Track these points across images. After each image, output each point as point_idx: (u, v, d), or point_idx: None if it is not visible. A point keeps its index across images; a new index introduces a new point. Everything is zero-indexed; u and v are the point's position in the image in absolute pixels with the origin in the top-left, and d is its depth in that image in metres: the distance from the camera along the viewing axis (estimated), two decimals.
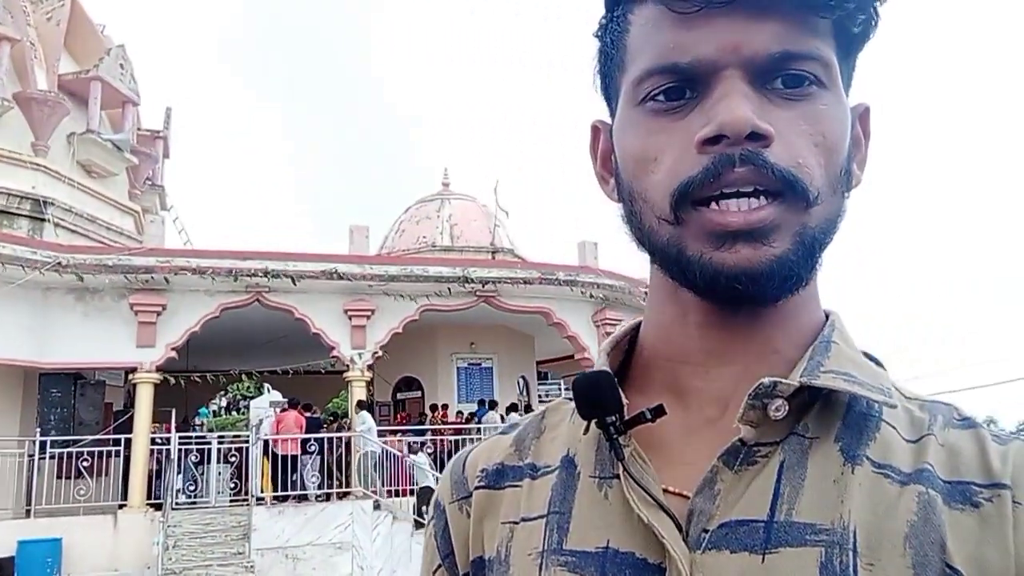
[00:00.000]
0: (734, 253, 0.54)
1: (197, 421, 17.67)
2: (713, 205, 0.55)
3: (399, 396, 16.40)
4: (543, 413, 0.73)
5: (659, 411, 0.58)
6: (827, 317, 0.64)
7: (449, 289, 13.39)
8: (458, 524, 0.69)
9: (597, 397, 0.60)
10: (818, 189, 0.55)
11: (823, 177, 0.56)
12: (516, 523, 0.64)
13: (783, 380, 0.55)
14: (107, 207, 16.02)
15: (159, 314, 12.02)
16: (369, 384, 13.82)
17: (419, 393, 16.11)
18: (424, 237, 17.43)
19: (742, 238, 0.54)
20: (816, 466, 0.55)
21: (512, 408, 15.53)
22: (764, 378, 0.55)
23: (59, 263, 11.17)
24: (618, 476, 0.60)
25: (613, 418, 0.59)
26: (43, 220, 14.03)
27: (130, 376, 12.25)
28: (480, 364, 16.29)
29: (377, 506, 11.69)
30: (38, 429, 11.41)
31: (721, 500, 0.55)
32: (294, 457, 11.91)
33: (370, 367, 13.28)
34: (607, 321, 14.51)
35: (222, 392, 24.42)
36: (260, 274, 12.23)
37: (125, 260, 11.67)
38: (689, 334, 0.62)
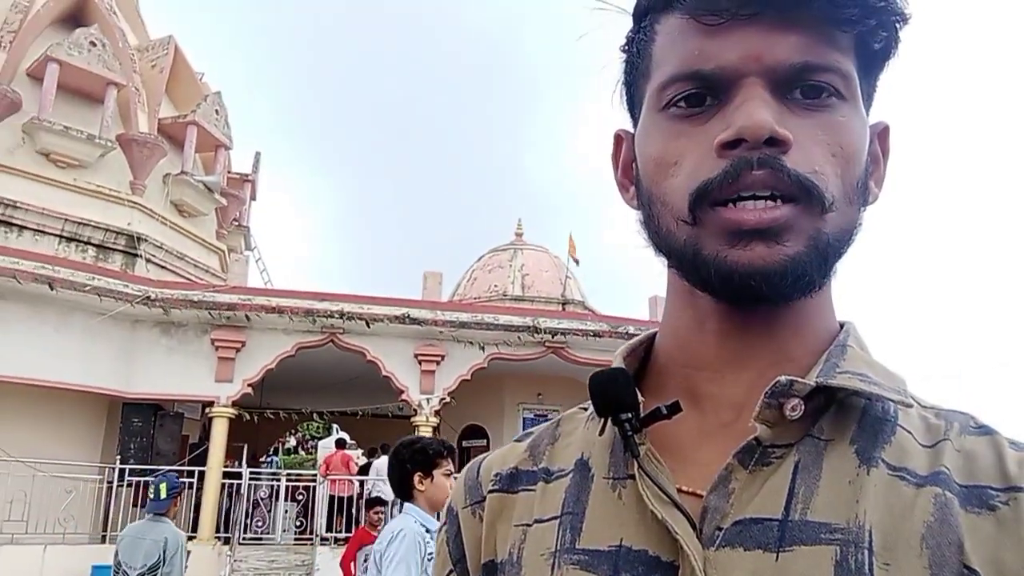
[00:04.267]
0: (749, 251, 0.55)
1: (265, 459, 17.96)
2: (730, 205, 0.55)
3: (464, 444, 16.37)
4: (558, 421, 0.73)
5: (675, 408, 0.58)
6: (842, 327, 0.64)
7: (519, 338, 13.42)
8: (470, 528, 0.70)
9: (613, 394, 0.60)
10: (833, 196, 0.56)
11: (839, 186, 0.57)
12: (529, 525, 0.64)
13: (799, 379, 0.56)
14: (195, 245, 16.70)
15: (238, 350, 12.38)
16: (435, 430, 13.84)
17: (484, 441, 16.04)
18: (496, 286, 17.57)
19: (757, 236, 0.55)
20: (831, 467, 0.55)
21: None
22: (781, 376, 0.56)
23: (148, 297, 11.65)
24: (632, 476, 0.59)
25: (628, 415, 0.59)
26: (136, 255, 14.69)
27: (207, 410, 12.59)
28: (546, 415, 16.13)
29: None
30: (118, 457, 11.79)
31: (735, 499, 0.55)
32: (350, 498, 12.02)
33: (437, 413, 13.33)
34: None
35: (293, 431, 24.81)
36: (336, 315, 12.49)
37: (209, 296, 12.11)
38: (705, 340, 0.62)
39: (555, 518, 0.62)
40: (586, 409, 0.70)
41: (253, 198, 20.75)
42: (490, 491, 0.69)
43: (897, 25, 0.58)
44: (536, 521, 0.64)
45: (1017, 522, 0.51)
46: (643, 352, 0.70)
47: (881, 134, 0.65)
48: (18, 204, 13.66)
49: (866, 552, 0.51)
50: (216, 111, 17.15)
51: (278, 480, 13.40)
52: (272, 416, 14.92)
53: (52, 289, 10.93)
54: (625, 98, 0.69)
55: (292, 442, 26.98)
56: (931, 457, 0.56)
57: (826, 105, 0.57)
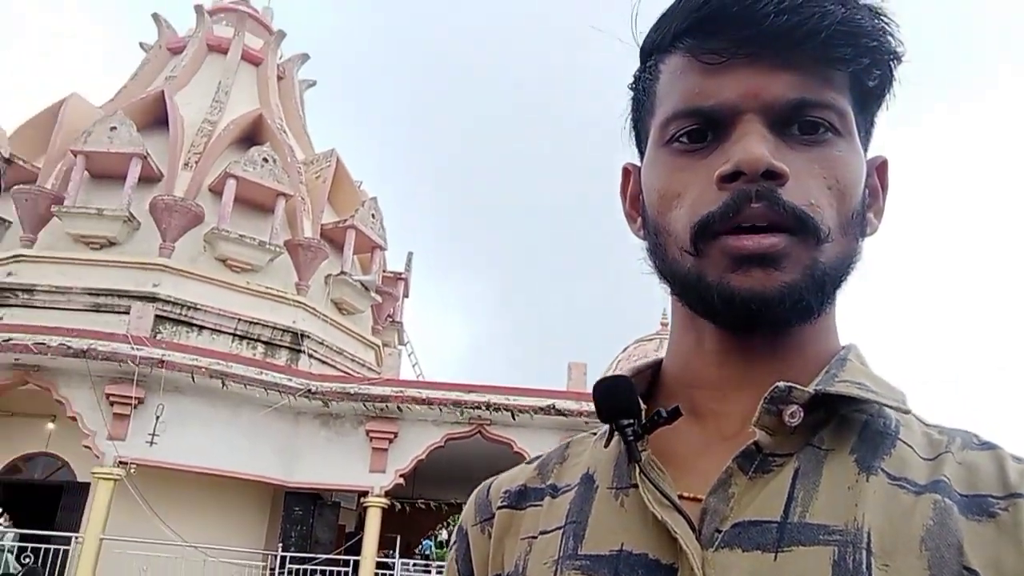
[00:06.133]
0: (748, 277, 0.56)
1: (419, 551, 18.19)
2: (730, 235, 0.57)
3: None
4: (567, 444, 0.74)
5: (675, 412, 0.59)
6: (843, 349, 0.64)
7: None
8: (479, 546, 0.70)
9: (616, 401, 0.62)
10: (829, 228, 0.57)
11: (835, 218, 0.58)
12: (534, 538, 0.65)
13: (798, 386, 0.57)
14: (353, 341, 17.62)
15: (391, 441, 12.74)
16: None
17: None
18: None
19: (756, 262, 0.56)
20: (831, 474, 0.56)
21: None
22: (780, 382, 0.57)
23: (309, 390, 12.31)
24: (634, 485, 0.60)
25: (630, 421, 0.61)
26: (299, 351, 15.66)
27: (362, 500, 12.95)
28: None
29: None
30: (280, 544, 12.29)
31: (735, 502, 0.56)
32: None
33: None
34: None
35: (443, 523, 25.01)
36: (482, 407, 12.64)
37: (365, 389, 12.64)
38: (706, 361, 0.64)
39: (559, 528, 0.64)
40: (595, 433, 0.73)
41: (406, 295, 21.68)
42: (499, 508, 0.71)
43: (891, 64, 0.61)
44: (541, 533, 0.65)
45: (1016, 526, 0.52)
46: (650, 375, 0.71)
47: (880, 168, 0.67)
48: (199, 306, 15.00)
49: (864, 553, 0.51)
50: (372, 215, 18.28)
51: (429, 570, 13.50)
52: (423, 507, 15.14)
53: (223, 385, 11.81)
54: (632, 134, 0.72)
55: (444, 535, 27.14)
56: (931, 468, 0.57)
57: (822, 140, 0.59)
